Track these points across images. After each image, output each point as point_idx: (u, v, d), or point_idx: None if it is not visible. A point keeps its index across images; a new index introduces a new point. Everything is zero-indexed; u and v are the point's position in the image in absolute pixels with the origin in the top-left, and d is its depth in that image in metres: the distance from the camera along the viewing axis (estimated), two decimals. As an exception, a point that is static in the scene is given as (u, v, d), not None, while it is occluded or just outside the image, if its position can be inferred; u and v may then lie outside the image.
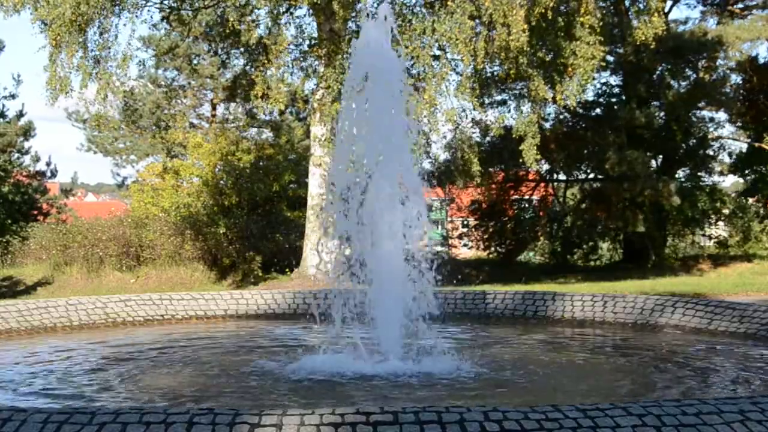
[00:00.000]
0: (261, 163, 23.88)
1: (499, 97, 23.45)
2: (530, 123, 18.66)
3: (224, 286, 19.18)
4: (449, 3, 17.25)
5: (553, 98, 18.66)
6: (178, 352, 7.16)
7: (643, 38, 19.36)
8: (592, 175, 27.99)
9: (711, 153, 27.70)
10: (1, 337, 7.92)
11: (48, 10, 17.10)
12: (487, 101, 21.48)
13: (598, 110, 26.69)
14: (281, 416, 3.61)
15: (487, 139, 25.40)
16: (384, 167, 6.58)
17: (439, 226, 35.06)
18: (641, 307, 8.57)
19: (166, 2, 20.27)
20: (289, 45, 18.92)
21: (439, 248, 28.73)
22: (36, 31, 17.61)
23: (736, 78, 27.98)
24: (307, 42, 20.50)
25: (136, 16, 18.91)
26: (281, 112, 23.27)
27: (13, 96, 28.95)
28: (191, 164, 24.89)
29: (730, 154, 29.82)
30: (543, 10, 16.82)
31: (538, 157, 19.11)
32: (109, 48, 18.21)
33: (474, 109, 19.40)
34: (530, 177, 28.49)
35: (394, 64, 6.90)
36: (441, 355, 6.37)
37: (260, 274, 20.45)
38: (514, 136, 19.05)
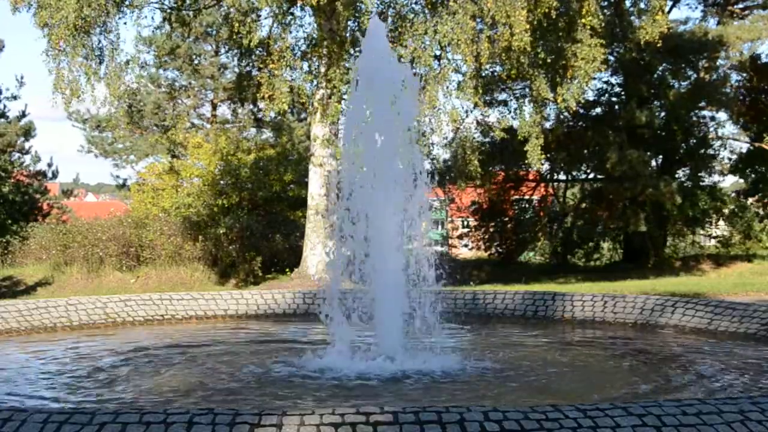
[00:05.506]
0: (261, 163, 23.90)
1: (500, 97, 23.46)
2: (534, 124, 18.66)
3: (224, 286, 19.18)
4: (451, 3, 17.24)
5: (554, 99, 18.66)
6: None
7: (648, 37, 19.34)
8: (592, 175, 27.99)
9: (711, 153, 27.70)
10: (1, 337, 7.93)
11: (50, 13, 17.08)
12: (488, 101, 21.48)
13: (598, 110, 26.69)
14: (281, 416, 3.61)
15: (487, 139, 25.41)
16: (385, 168, 6.58)
17: (440, 226, 35.08)
18: (641, 307, 8.57)
19: (166, 2, 20.28)
20: (290, 45, 18.91)
21: (439, 248, 28.76)
22: (39, 34, 17.61)
23: (736, 78, 28.00)
24: (307, 42, 20.51)
25: (138, 17, 18.94)
26: (283, 113, 23.28)
27: (15, 97, 28.99)
28: (191, 164, 24.91)
29: (730, 157, 29.84)
30: (547, 10, 16.81)
31: (543, 157, 19.11)
32: (114, 50, 18.22)
33: (476, 107, 19.40)
34: (530, 177, 28.49)
35: (394, 69, 6.87)
36: (442, 355, 6.37)
37: (260, 274, 20.45)
38: (519, 137, 19.06)
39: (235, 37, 19.13)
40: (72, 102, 17.67)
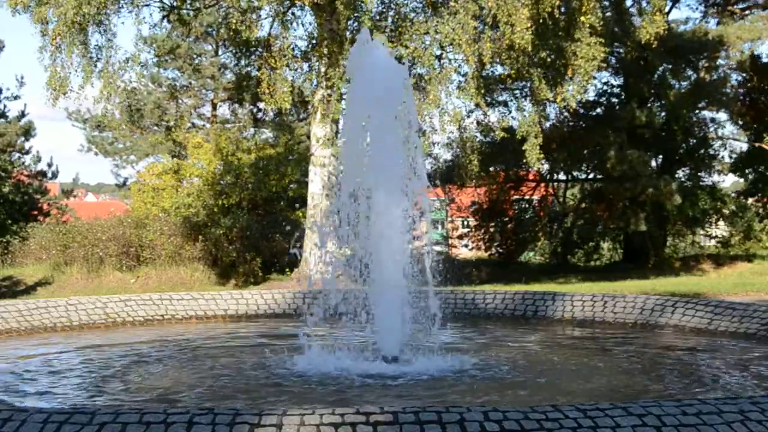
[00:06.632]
0: (261, 163, 23.89)
1: (500, 98, 23.48)
2: (533, 123, 18.66)
3: (224, 286, 19.18)
4: (452, 3, 17.24)
5: (554, 98, 18.67)
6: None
7: (648, 37, 19.38)
8: (592, 175, 28.00)
9: (711, 153, 27.71)
10: (2, 336, 7.93)
11: (50, 11, 17.09)
12: (489, 101, 21.50)
13: (598, 110, 26.70)
14: (281, 416, 3.61)
15: (488, 139, 25.41)
16: (385, 167, 6.58)
17: (440, 226, 35.08)
18: (641, 307, 8.57)
19: (166, 1, 20.28)
20: (291, 45, 18.92)
21: (439, 248, 28.76)
22: (36, 30, 17.58)
23: (736, 78, 28.00)
24: (307, 42, 20.53)
25: (137, 15, 18.96)
26: (283, 112, 23.27)
27: (16, 97, 28.98)
28: (192, 164, 24.90)
29: (731, 156, 29.81)
30: (550, 10, 16.82)
31: (541, 156, 19.11)
32: (112, 48, 18.24)
33: (477, 107, 19.40)
34: (530, 177, 28.50)
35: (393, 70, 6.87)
36: (442, 356, 6.37)
37: (260, 274, 20.44)
38: (517, 136, 19.06)
39: (234, 36, 19.12)
40: (59, 98, 17.67)
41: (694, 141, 26.91)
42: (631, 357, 6.84)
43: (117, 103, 19.60)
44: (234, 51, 22.26)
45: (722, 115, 28.44)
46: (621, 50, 24.55)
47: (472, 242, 30.27)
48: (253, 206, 23.22)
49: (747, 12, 27.52)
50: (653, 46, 20.28)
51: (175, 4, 20.23)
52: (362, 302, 6.47)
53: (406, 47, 17.58)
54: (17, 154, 30.99)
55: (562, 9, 17.81)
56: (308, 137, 22.62)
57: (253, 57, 20.88)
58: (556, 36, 18.08)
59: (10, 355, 7.05)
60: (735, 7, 27.77)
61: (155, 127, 33.84)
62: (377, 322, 6.49)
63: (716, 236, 30.68)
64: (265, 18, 19.92)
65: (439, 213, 32.30)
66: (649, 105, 25.65)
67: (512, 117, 22.15)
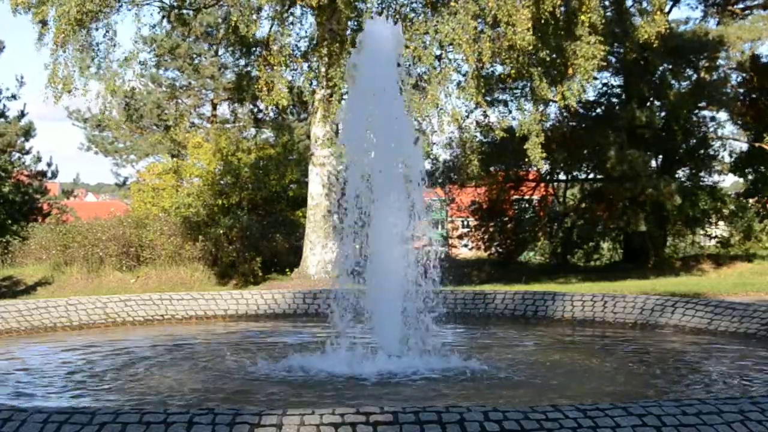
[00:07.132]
0: (261, 163, 23.88)
1: (501, 97, 23.47)
2: (534, 121, 18.65)
3: (224, 286, 19.18)
4: (452, 3, 17.25)
5: (554, 98, 18.67)
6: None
7: (647, 36, 19.39)
8: (592, 175, 28.00)
9: (711, 153, 27.71)
10: (2, 336, 7.93)
11: (54, 9, 17.12)
12: (489, 101, 21.49)
13: (598, 110, 26.70)
14: (281, 416, 3.61)
15: (488, 139, 25.41)
16: (385, 168, 6.59)
17: (440, 226, 35.10)
18: (641, 307, 8.58)
19: (166, 0, 20.29)
20: (291, 45, 18.93)
21: (438, 248, 28.74)
22: (37, 29, 17.59)
23: (736, 78, 27.99)
24: (307, 42, 20.53)
25: (136, 14, 18.98)
26: (283, 111, 23.26)
27: (14, 97, 28.94)
28: (191, 164, 24.91)
29: (730, 154, 29.82)
30: (550, 9, 16.82)
31: (544, 155, 19.12)
32: (114, 46, 18.27)
33: (477, 106, 19.39)
34: (530, 177, 28.50)
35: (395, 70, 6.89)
36: (442, 356, 6.36)
37: (260, 274, 20.44)
38: (518, 135, 19.06)
39: (234, 34, 19.11)
40: (63, 96, 17.67)
41: (694, 141, 26.89)
42: (631, 357, 6.84)
43: (117, 102, 19.63)
44: (233, 50, 22.26)
45: (722, 115, 28.46)
46: (621, 50, 24.52)
47: (472, 242, 30.26)
48: (253, 206, 23.22)
49: (747, 12, 27.51)
50: (654, 45, 20.30)
51: (175, 3, 20.23)
52: (362, 302, 6.47)
53: (406, 47, 17.57)
54: (17, 154, 30.94)
55: (563, 8, 17.80)
56: (308, 137, 22.63)
57: (252, 57, 20.88)
58: (556, 35, 18.07)
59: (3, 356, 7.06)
60: (735, 7, 27.76)
61: (155, 127, 33.85)
62: (377, 322, 6.49)
63: (716, 236, 30.66)
64: (265, 18, 19.95)
65: (439, 213, 32.32)
66: (649, 105, 25.64)
67: (512, 117, 22.17)
